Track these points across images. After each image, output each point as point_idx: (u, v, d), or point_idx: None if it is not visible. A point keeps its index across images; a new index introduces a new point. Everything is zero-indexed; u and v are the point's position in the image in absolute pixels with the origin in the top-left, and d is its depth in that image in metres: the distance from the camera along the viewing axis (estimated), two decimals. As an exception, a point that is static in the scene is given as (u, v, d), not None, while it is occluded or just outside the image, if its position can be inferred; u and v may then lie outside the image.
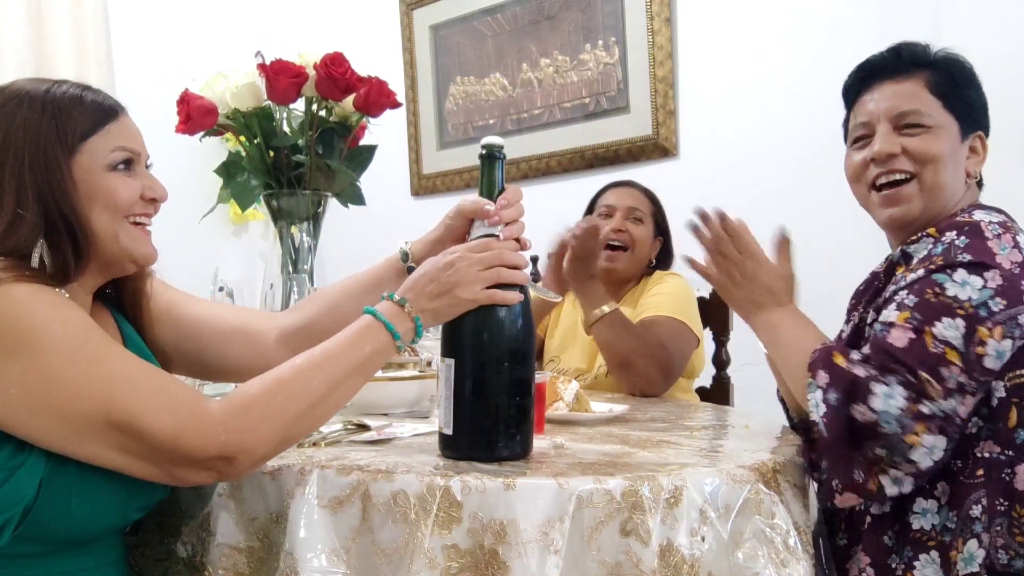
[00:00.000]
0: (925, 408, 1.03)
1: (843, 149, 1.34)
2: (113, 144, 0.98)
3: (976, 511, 1.07)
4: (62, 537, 0.91)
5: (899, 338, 1.07)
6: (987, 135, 1.27)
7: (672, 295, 1.93)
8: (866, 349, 1.11)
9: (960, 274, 1.08)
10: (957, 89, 1.23)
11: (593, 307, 1.82)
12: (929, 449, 1.03)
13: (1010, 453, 1.09)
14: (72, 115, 0.96)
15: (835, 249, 2.34)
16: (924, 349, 1.06)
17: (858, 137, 1.28)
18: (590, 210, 2.14)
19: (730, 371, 2.13)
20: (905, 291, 1.11)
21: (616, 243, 2.02)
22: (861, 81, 1.29)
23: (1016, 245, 1.11)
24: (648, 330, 1.84)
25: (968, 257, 1.09)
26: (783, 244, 1.28)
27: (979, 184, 1.28)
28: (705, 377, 2.14)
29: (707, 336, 2.08)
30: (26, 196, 0.92)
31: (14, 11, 2.95)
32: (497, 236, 1.05)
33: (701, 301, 2.05)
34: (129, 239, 0.99)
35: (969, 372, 1.06)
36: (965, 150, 1.23)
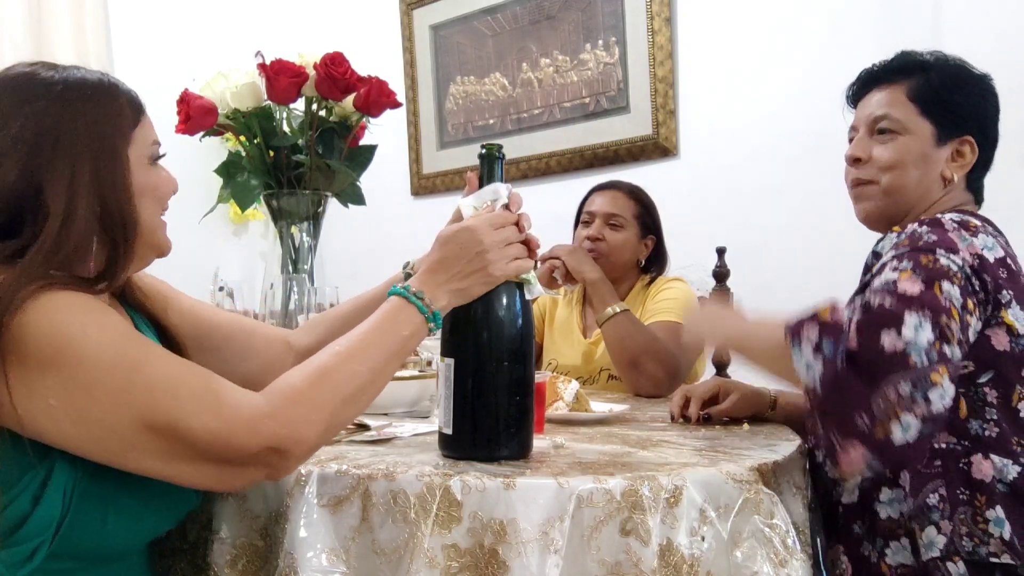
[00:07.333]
0: (947, 350, 1.01)
1: (842, 148, 1.36)
2: (151, 137, 0.97)
3: (933, 499, 1.09)
4: (96, 552, 0.90)
5: (911, 287, 1.05)
6: (986, 140, 1.26)
7: (678, 301, 1.97)
8: (876, 299, 1.07)
9: (941, 252, 1.09)
10: (939, 94, 1.25)
11: (604, 306, 1.87)
12: (943, 392, 0.99)
13: (965, 443, 1.12)
14: (120, 104, 0.93)
15: (834, 248, 2.34)
16: (937, 299, 1.04)
17: (850, 139, 1.34)
18: (578, 215, 2.16)
19: (730, 371, 2.13)
20: (894, 260, 1.11)
21: (593, 249, 2.06)
22: (858, 89, 1.34)
23: (973, 243, 1.12)
24: (658, 333, 1.87)
25: (934, 238, 1.11)
26: None
27: (974, 190, 1.28)
28: (705, 377, 2.14)
29: (707, 336, 2.09)
30: (79, 189, 0.87)
31: (14, 11, 2.95)
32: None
33: (702, 302, 2.06)
34: (163, 232, 0.99)
35: (963, 334, 1.07)
36: (943, 153, 1.25)
